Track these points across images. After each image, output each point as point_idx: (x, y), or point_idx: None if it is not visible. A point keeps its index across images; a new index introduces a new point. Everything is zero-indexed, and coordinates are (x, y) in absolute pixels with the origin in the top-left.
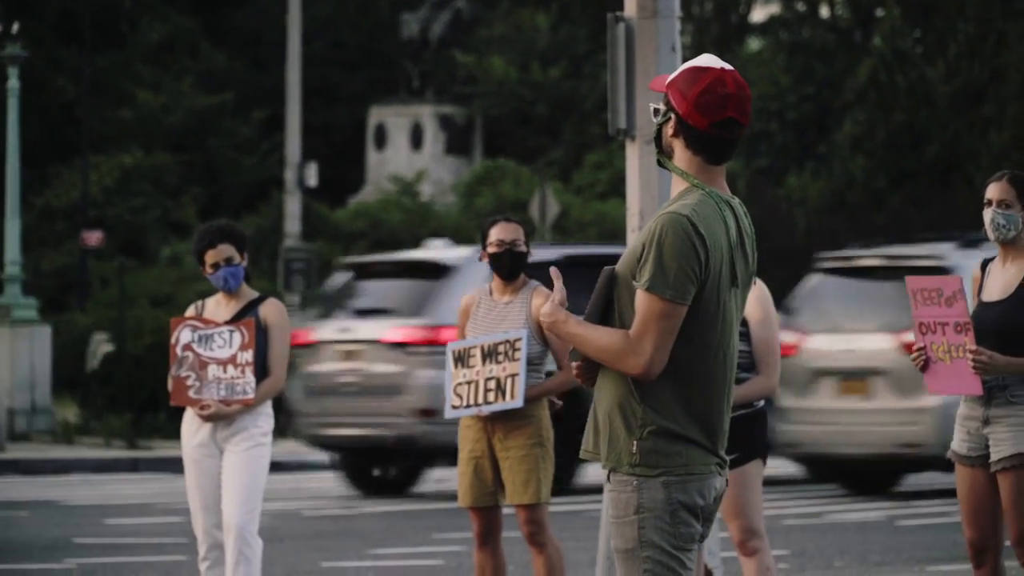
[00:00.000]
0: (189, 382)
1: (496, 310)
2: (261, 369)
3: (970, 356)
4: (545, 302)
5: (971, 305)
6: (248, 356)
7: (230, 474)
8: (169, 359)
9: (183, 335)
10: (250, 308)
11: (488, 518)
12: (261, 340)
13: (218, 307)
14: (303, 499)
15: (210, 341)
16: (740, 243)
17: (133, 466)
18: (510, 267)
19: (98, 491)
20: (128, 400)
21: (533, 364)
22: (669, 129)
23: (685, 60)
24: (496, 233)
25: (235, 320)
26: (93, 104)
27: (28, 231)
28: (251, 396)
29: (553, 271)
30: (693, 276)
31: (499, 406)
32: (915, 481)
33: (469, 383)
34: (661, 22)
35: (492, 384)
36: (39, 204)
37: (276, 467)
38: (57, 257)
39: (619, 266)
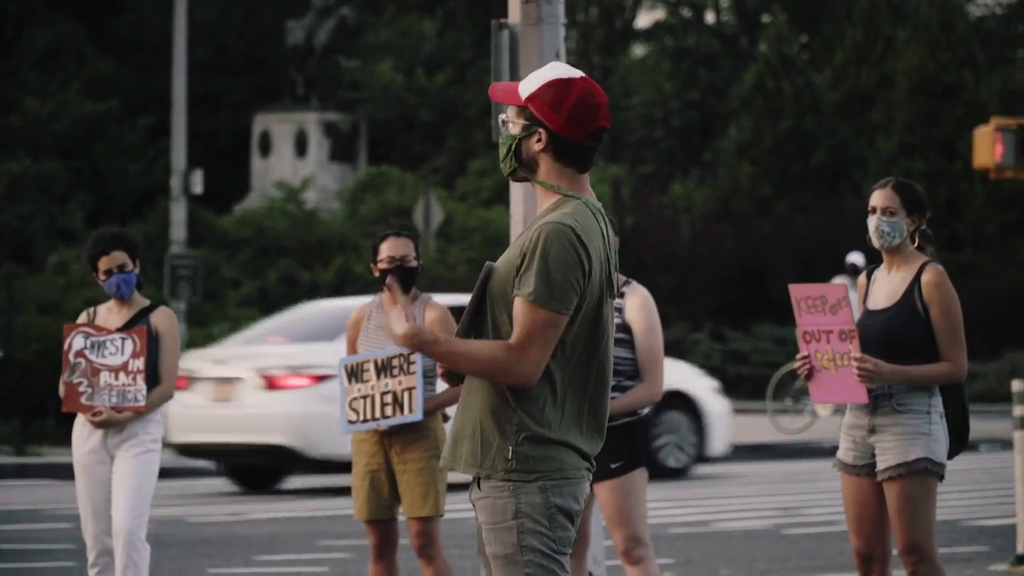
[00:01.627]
0: (81, 388)
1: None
2: (152, 377)
3: (855, 364)
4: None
5: (857, 313)
6: (140, 364)
7: (119, 479)
8: (61, 365)
9: (76, 341)
10: (141, 316)
11: (385, 531)
12: (152, 348)
13: (110, 314)
14: (188, 505)
15: (102, 348)
16: (610, 251)
17: (20, 472)
18: (401, 283)
19: None
20: (16, 406)
21: (428, 376)
22: (535, 143)
23: (567, 65)
24: (386, 249)
25: (127, 328)
26: None
27: None
28: (142, 403)
29: (390, 280)
30: (577, 286)
31: (398, 420)
32: (799, 488)
33: (364, 397)
34: (545, 28)
35: (389, 398)
36: None
37: (160, 473)
38: None
39: (497, 272)
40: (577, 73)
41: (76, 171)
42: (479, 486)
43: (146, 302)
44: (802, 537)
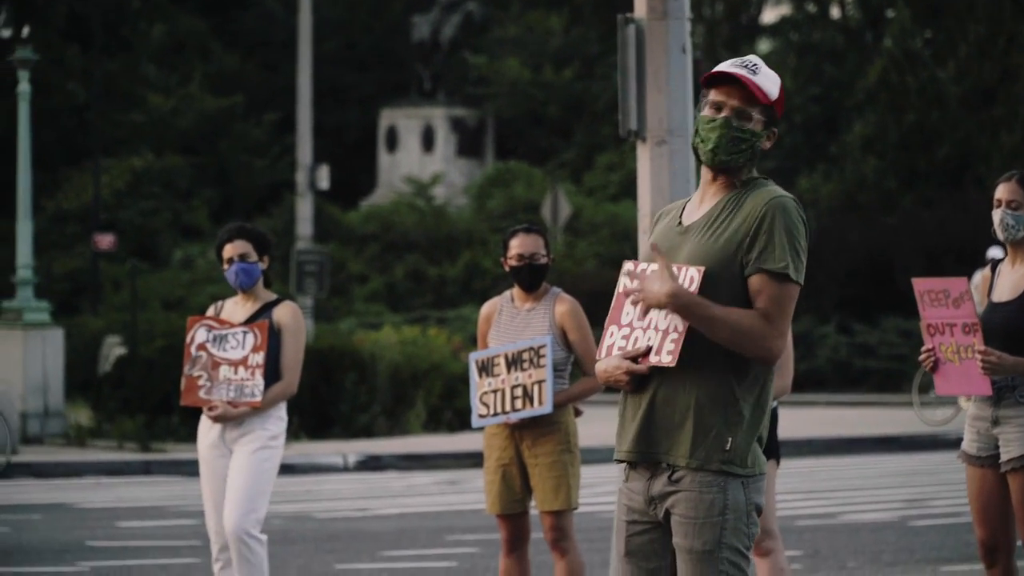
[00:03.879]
0: (201, 382)
1: (519, 317)
2: (273, 373)
3: (979, 356)
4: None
5: (981, 305)
6: (259, 358)
7: (233, 476)
8: (183, 358)
9: (198, 334)
10: (265, 310)
11: (517, 525)
12: (274, 343)
13: (235, 308)
14: (316, 500)
15: (224, 342)
16: None
17: (146, 469)
18: (530, 280)
19: (111, 494)
20: (141, 403)
21: (558, 370)
22: (766, 143)
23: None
24: (516, 246)
25: (250, 322)
26: (103, 107)
27: (40, 234)
28: (258, 399)
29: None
30: (804, 260)
31: (528, 412)
32: (926, 480)
33: (495, 391)
34: (671, 23)
35: (519, 391)
36: (51, 207)
37: (288, 469)
38: (69, 260)
39: (705, 261)
40: None
41: (200, 167)
42: (671, 478)
43: (272, 296)
44: (928, 529)
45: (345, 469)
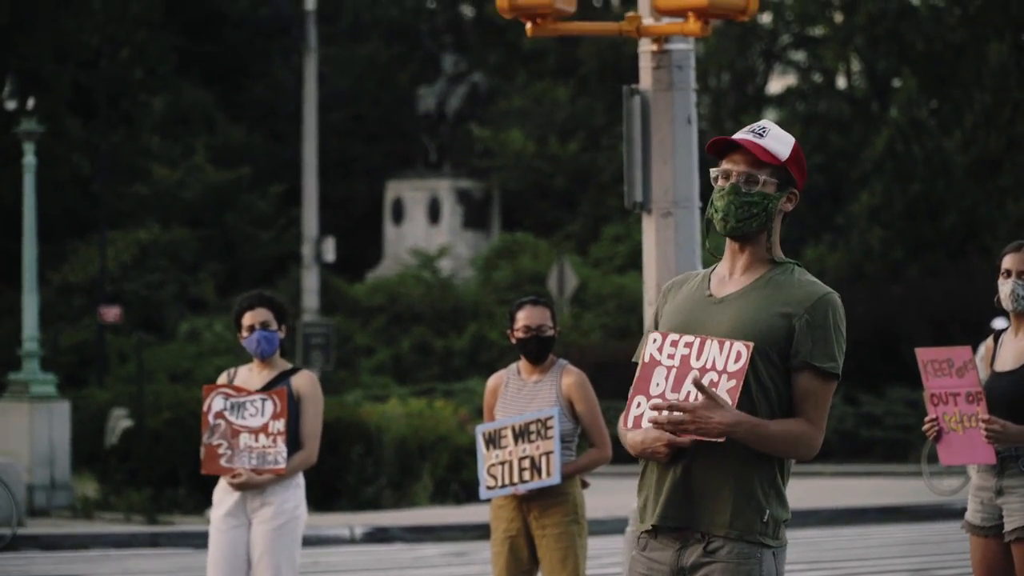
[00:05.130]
0: (221, 450)
1: (525, 389)
2: (293, 442)
3: (983, 425)
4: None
5: (984, 375)
6: (280, 425)
7: (259, 552)
8: (201, 427)
9: (215, 403)
10: (282, 378)
11: None
12: (293, 411)
13: (250, 375)
14: (323, 573)
15: (242, 409)
16: None
17: (153, 541)
18: (537, 352)
19: (118, 566)
20: (148, 475)
21: (565, 441)
22: (786, 204)
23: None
24: (523, 318)
25: (267, 389)
26: (108, 179)
27: (46, 307)
28: (283, 466)
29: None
30: None
31: (536, 484)
32: (932, 550)
33: (503, 463)
34: (677, 94)
35: (527, 463)
36: (56, 280)
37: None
38: (75, 333)
39: (752, 338)
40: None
41: (206, 239)
42: (707, 548)
43: (288, 365)
44: None
45: (352, 541)
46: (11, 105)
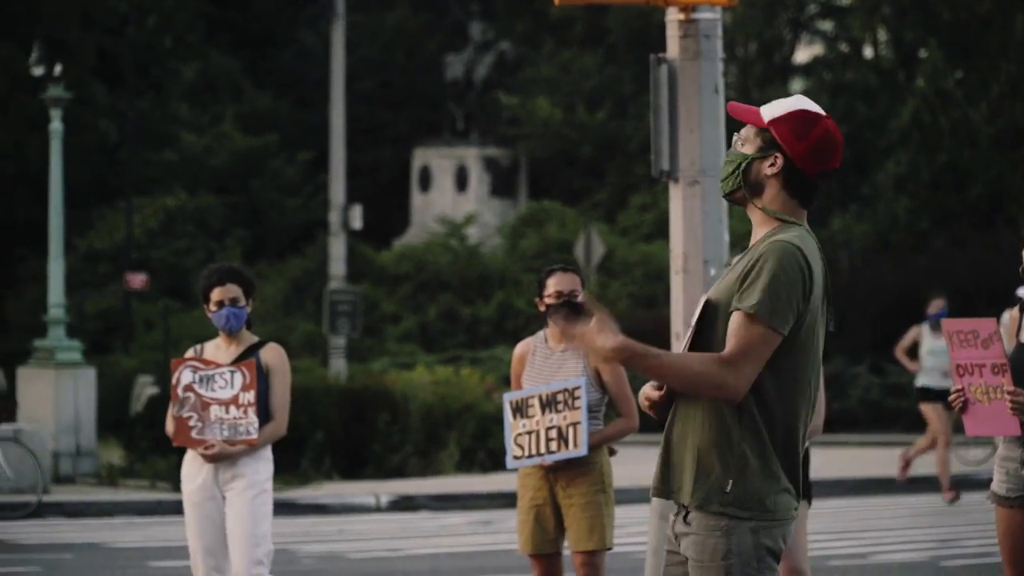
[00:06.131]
0: (191, 423)
1: (553, 358)
2: (263, 414)
3: (1008, 397)
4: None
5: (1008, 344)
6: (250, 397)
7: (234, 523)
8: (170, 400)
9: (184, 376)
10: (251, 352)
11: (549, 565)
12: (262, 384)
13: (218, 351)
14: (348, 541)
15: (211, 382)
16: (828, 284)
17: (178, 508)
18: (568, 318)
19: (143, 534)
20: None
21: (592, 411)
22: (766, 167)
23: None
24: (553, 284)
25: (236, 363)
26: (136, 146)
27: (72, 273)
28: (254, 436)
29: (585, 298)
30: (796, 307)
31: (563, 455)
32: (957, 520)
33: (529, 433)
34: (704, 64)
35: (554, 433)
36: (83, 246)
37: (320, 509)
38: (101, 299)
39: (716, 295)
40: (821, 110)
41: (233, 206)
42: (685, 519)
43: (255, 339)
44: (959, 569)
45: (378, 509)
46: (38, 71)
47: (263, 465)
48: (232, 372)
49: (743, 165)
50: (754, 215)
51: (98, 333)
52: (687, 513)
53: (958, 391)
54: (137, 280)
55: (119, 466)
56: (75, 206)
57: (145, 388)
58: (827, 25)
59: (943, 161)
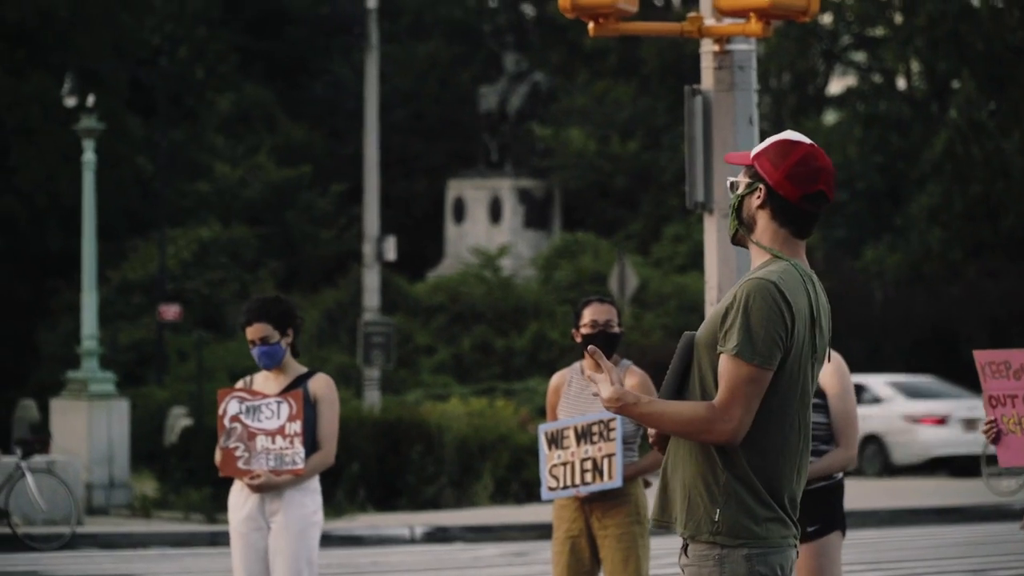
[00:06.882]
0: (238, 453)
1: (589, 389)
2: (310, 444)
3: None
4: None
5: None
6: (296, 427)
7: (276, 555)
8: (217, 431)
9: (230, 406)
10: (299, 382)
11: None
12: (310, 414)
13: (267, 381)
14: (382, 572)
15: (258, 412)
16: (819, 317)
17: (212, 540)
18: (603, 348)
19: (176, 565)
20: (207, 474)
21: (627, 443)
22: (755, 200)
23: (762, 133)
24: (590, 314)
25: (283, 393)
26: (169, 177)
27: (105, 305)
28: (301, 467)
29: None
30: (780, 342)
31: (598, 486)
32: (990, 550)
33: (564, 464)
34: (738, 95)
35: (589, 464)
36: (116, 278)
37: (355, 541)
38: (134, 331)
39: (699, 333)
40: (806, 139)
41: (267, 238)
42: (686, 551)
43: (303, 369)
44: None
45: (412, 541)
46: (71, 102)
47: (310, 497)
48: (278, 402)
49: (735, 204)
50: (753, 252)
51: (131, 365)
52: (687, 546)
53: (991, 422)
54: (170, 311)
55: (152, 497)
56: (108, 237)
57: (178, 420)
58: (860, 56)
59: (976, 192)
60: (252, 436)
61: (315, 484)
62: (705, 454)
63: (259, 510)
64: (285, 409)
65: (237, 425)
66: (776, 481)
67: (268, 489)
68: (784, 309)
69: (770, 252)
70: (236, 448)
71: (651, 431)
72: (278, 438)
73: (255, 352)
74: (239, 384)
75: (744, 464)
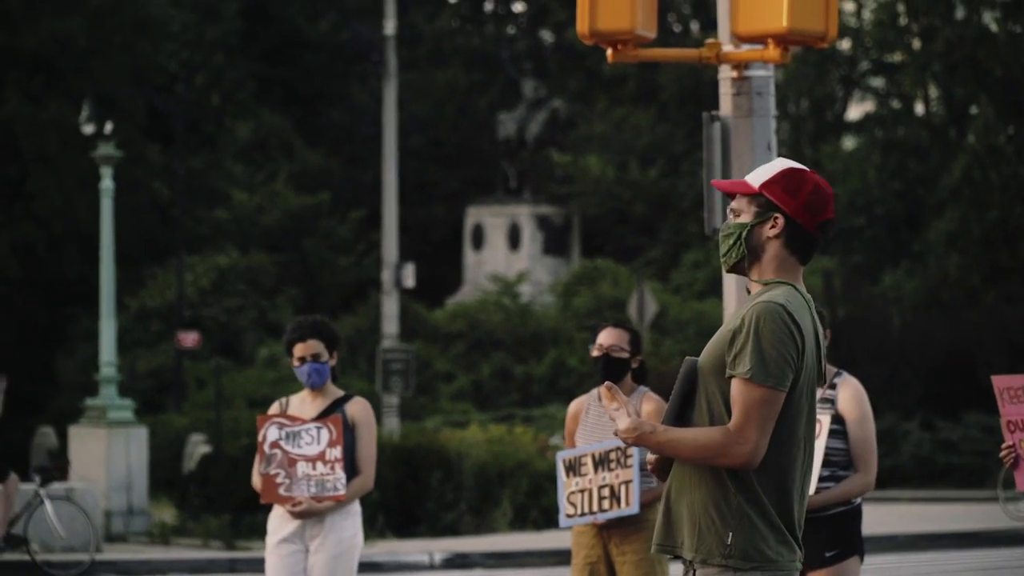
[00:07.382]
0: (279, 479)
1: (606, 416)
2: (349, 468)
3: None
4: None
5: None
6: (337, 452)
7: None
8: (257, 457)
9: (270, 433)
10: (336, 406)
11: None
12: (348, 438)
13: (303, 404)
14: None
15: (297, 438)
16: (820, 339)
17: (231, 567)
18: (604, 372)
19: None
20: (225, 501)
21: (644, 470)
22: (768, 229)
23: (780, 157)
24: (600, 338)
25: (321, 418)
26: (187, 204)
27: (124, 332)
28: (342, 492)
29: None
30: (791, 362)
31: (615, 513)
32: (1008, 575)
33: (582, 491)
34: (756, 121)
35: (606, 492)
36: (134, 305)
37: (374, 568)
38: (153, 358)
39: (703, 357)
40: (807, 168)
41: (285, 265)
42: (691, 574)
43: (340, 393)
44: None
45: (431, 567)
46: (88, 129)
47: (351, 520)
48: (318, 428)
49: (743, 234)
50: (752, 278)
51: (150, 392)
52: (693, 570)
53: (1009, 447)
54: (189, 339)
55: (171, 525)
56: (126, 265)
57: (197, 447)
58: (878, 82)
59: (994, 217)
60: (293, 462)
61: (356, 507)
62: (715, 478)
63: (300, 533)
64: (325, 435)
65: (277, 451)
66: (786, 504)
67: (310, 516)
68: (794, 330)
69: (772, 281)
70: (277, 475)
71: (650, 458)
72: (319, 464)
73: (304, 369)
74: (274, 407)
75: (756, 487)
